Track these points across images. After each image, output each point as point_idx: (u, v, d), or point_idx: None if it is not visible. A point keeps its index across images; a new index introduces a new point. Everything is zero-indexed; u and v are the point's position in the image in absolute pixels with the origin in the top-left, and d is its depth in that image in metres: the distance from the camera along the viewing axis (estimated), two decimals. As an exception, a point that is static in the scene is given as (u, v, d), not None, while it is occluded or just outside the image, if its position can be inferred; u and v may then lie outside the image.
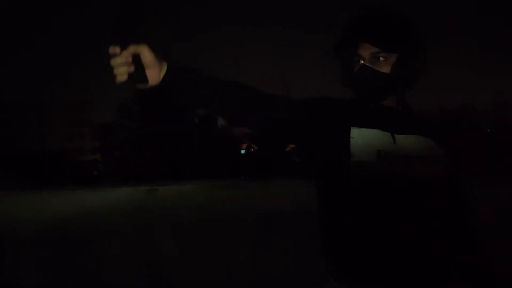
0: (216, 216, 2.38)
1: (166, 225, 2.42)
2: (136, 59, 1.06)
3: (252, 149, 39.46)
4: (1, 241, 2.39)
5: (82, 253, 2.42)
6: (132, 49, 1.04)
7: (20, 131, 52.62)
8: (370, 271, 1.15)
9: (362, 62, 1.21)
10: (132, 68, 1.06)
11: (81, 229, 2.40)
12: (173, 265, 2.38)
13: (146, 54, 1.06)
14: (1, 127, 51.37)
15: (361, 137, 1.19)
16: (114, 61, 1.05)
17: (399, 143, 1.20)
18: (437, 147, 1.23)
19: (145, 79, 1.08)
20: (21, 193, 2.47)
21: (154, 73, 1.09)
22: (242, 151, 39.36)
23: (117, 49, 1.04)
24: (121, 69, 1.05)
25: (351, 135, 1.19)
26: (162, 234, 2.42)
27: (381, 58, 1.19)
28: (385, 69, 1.20)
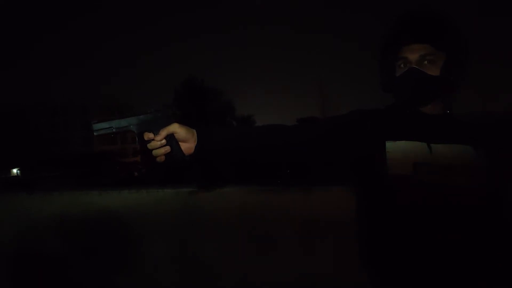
0: (255, 219, 2.43)
1: (206, 226, 2.50)
2: (170, 137, 1.14)
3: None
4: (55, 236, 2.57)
5: (127, 249, 2.55)
6: (164, 132, 1.12)
7: (66, 134, 55.01)
8: (412, 283, 1.12)
9: (409, 65, 1.17)
10: (168, 148, 1.13)
11: (127, 227, 2.53)
12: (214, 265, 2.45)
13: (179, 131, 1.14)
14: (49, 131, 53.91)
15: (397, 150, 1.16)
16: (151, 146, 1.13)
17: (438, 153, 1.15)
18: (482, 156, 1.15)
19: (182, 153, 1.15)
20: (74, 193, 2.64)
21: (189, 144, 1.16)
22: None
23: (151, 135, 1.13)
24: (159, 151, 1.13)
25: (387, 149, 1.17)
26: (202, 236, 2.50)
27: (428, 61, 1.16)
28: (434, 72, 1.16)
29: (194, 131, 1.18)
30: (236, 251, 2.44)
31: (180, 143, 1.16)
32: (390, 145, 1.17)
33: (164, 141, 1.13)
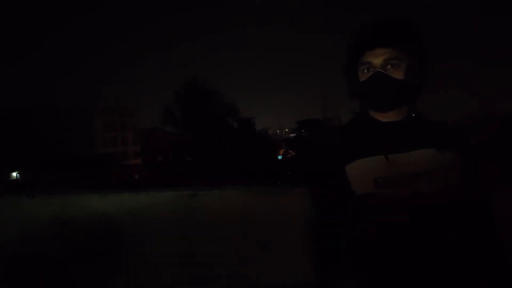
0: (255, 221, 2.43)
1: (206, 228, 2.50)
2: None
3: (289, 155, 39.31)
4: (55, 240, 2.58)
5: (128, 253, 2.56)
6: None
7: (67, 136, 55.04)
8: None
9: (373, 69, 1.16)
10: None
11: (130, 230, 2.54)
12: (214, 266, 2.46)
13: None
14: (51, 132, 53.97)
15: (356, 170, 1.16)
16: None
17: (398, 163, 1.14)
18: (448, 158, 1.14)
19: None
20: (74, 196, 2.64)
21: None
22: (279, 157, 39.30)
23: None
24: None
25: (347, 172, 1.17)
26: (203, 239, 2.50)
27: (391, 66, 1.15)
28: (398, 76, 1.16)
29: None
30: (237, 252, 2.45)
31: None
32: (349, 167, 1.17)
33: None
